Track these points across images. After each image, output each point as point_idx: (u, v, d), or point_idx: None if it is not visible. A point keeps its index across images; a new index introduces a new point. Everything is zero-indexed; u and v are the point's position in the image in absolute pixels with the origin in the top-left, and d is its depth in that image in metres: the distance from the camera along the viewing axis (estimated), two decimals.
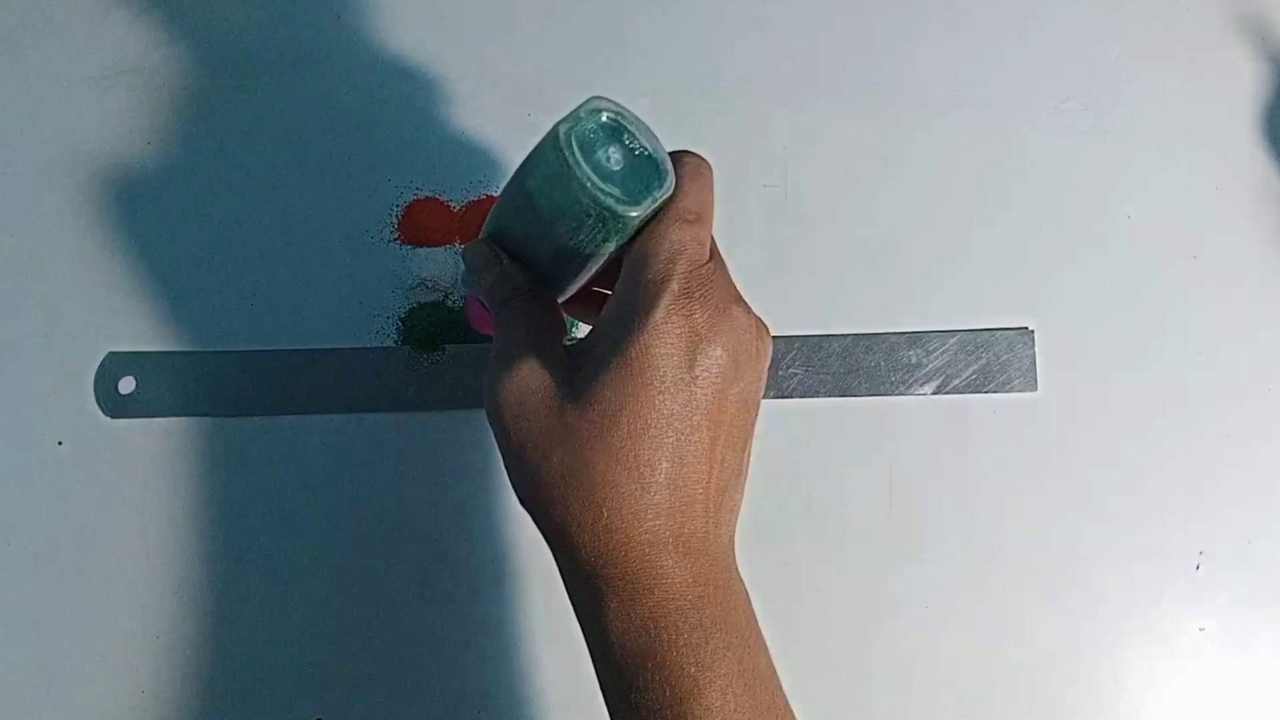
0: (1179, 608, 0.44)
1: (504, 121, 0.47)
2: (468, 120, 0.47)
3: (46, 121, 0.47)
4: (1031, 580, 0.44)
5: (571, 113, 0.30)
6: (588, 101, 0.31)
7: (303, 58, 0.48)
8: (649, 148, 0.31)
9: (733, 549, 0.32)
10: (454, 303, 0.46)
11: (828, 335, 0.46)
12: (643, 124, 0.31)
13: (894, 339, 0.46)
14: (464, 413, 0.44)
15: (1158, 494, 0.45)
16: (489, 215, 0.35)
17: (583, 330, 0.44)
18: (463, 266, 0.40)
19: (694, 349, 0.30)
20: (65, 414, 0.44)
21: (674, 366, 0.29)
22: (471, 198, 0.47)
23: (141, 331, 0.45)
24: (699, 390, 0.30)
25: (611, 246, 0.31)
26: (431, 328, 0.45)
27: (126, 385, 0.44)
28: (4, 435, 0.44)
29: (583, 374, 0.31)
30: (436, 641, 0.43)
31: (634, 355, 0.29)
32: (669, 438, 0.29)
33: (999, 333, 0.46)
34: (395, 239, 0.46)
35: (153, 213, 0.46)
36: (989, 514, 0.44)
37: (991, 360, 0.46)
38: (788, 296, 0.46)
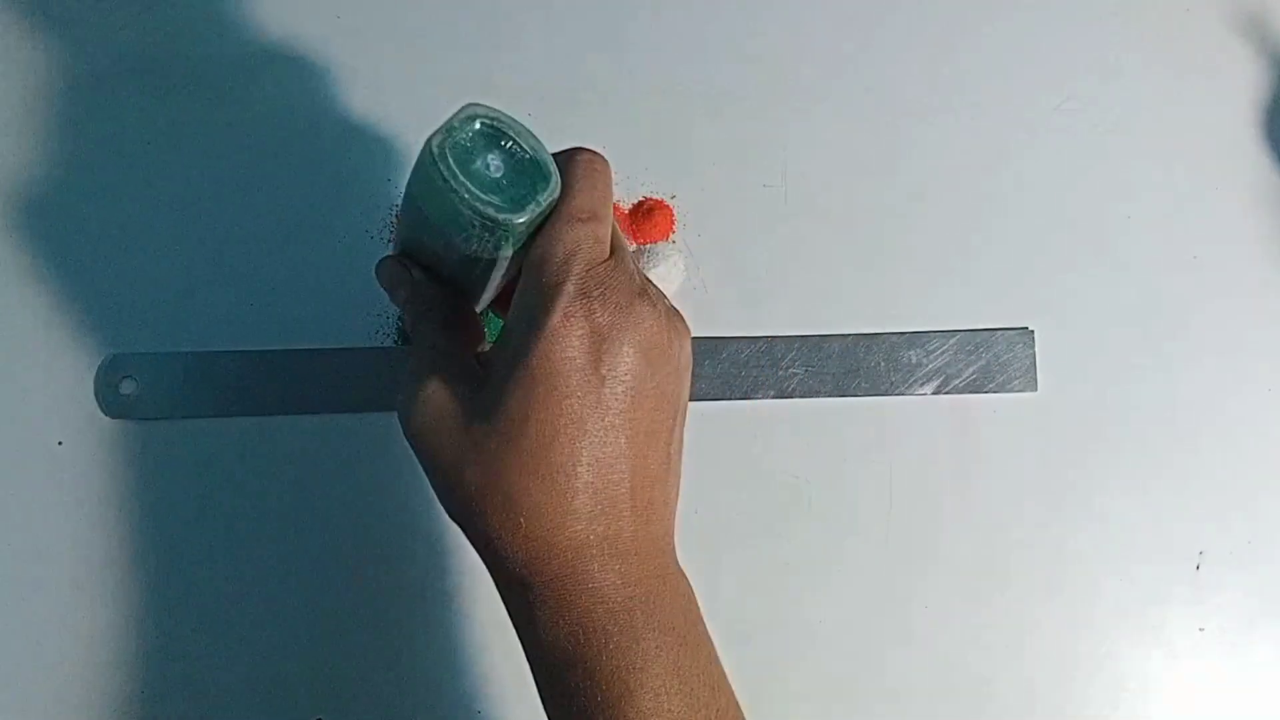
0: (1179, 608, 0.44)
1: None
2: None
3: (46, 121, 0.47)
4: (1031, 580, 0.44)
5: (444, 124, 0.30)
6: (462, 110, 0.30)
7: (303, 58, 0.48)
8: (530, 150, 0.30)
9: (668, 546, 0.32)
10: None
11: (828, 335, 0.46)
12: (523, 127, 0.31)
13: (894, 339, 0.46)
14: None
15: (1158, 494, 0.45)
16: (397, 229, 0.35)
17: None
18: None
19: (598, 349, 0.29)
20: (65, 414, 0.44)
21: (578, 369, 0.29)
22: None
23: (142, 332, 0.45)
24: (608, 391, 0.29)
25: (509, 252, 0.31)
26: None
27: (127, 386, 0.44)
28: (4, 435, 0.44)
29: (490, 386, 0.30)
30: (436, 641, 0.43)
31: (535, 362, 0.29)
32: (582, 442, 0.29)
33: (999, 333, 0.46)
34: (395, 239, 0.46)
35: (152, 213, 0.46)
36: (989, 514, 0.44)
37: (991, 360, 0.46)
38: (788, 296, 0.46)
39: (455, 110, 0.30)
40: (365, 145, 0.47)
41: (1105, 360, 0.46)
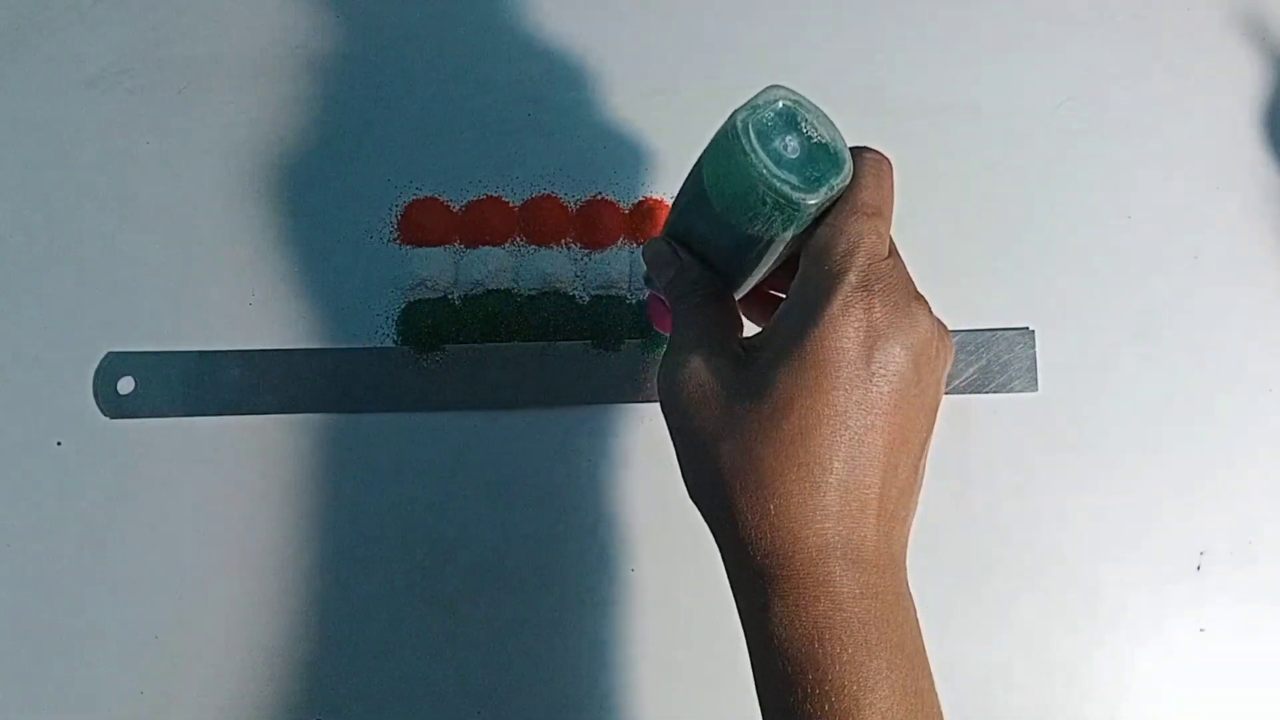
0: (1179, 608, 0.44)
1: (504, 121, 0.47)
2: (468, 120, 0.47)
3: (46, 122, 0.47)
4: (1031, 580, 0.44)
5: (749, 101, 0.30)
6: (765, 90, 0.31)
7: (303, 58, 0.48)
8: (826, 137, 0.30)
9: (904, 564, 0.31)
10: (454, 300, 0.45)
11: None
12: (821, 113, 0.31)
13: None
14: (463, 413, 0.44)
15: (1158, 494, 0.45)
16: (670, 212, 0.35)
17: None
18: (641, 264, 0.40)
19: (872, 344, 0.28)
20: (65, 414, 0.44)
21: (850, 361, 0.28)
22: (471, 197, 0.47)
23: (141, 332, 0.45)
24: (875, 388, 0.28)
25: (788, 236, 0.30)
26: (431, 327, 0.45)
27: (126, 385, 0.44)
28: (4, 435, 0.44)
29: (756, 367, 0.29)
30: (436, 642, 0.43)
31: (809, 348, 0.28)
32: (842, 436, 0.28)
33: (999, 333, 0.46)
34: (395, 239, 0.46)
35: (152, 213, 0.46)
36: (989, 514, 0.44)
37: (992, 360, 0.46)
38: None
39: (759, 90, 0.31)
40: (365, 145, 0.47)
41: (1105, 360, 0.46)
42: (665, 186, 0.47)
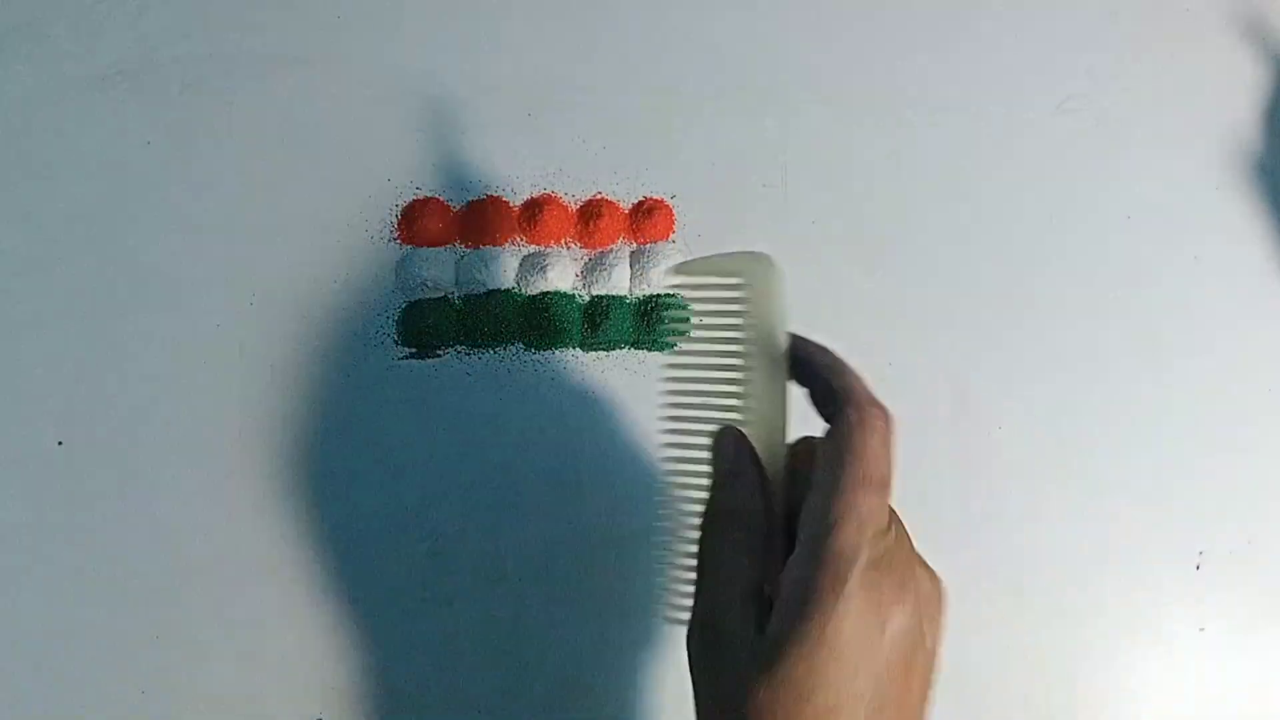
0: (1179, 608, 0.44)
1: (504, 121, 0.47)
2: (468, 120, 0.47)
3: (46, 122, 0.47)
4: (1031, 580, 0.44)
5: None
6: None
7: (303, 58, 0.48)
8: None
9: None
10: (454, 300, 0.45)
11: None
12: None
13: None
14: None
15: (1158, 494, 0.45)
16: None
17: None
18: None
19: (884, 620, 0.29)
20: (65, 414, 0.44)
21: (866, 641, 0.28)
22: (471, 198, 0.47)
23: (140, 331, 0.45)
24: (886, 658, 0.29)
25: None
26: (431, 327, 0.45)
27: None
28: (4, 435, 0.44)
29: (770, 644, 0.29)
30: (436, 641, 0.43)
31: (828, 633, 0.28)
32: (860, 712, 0.28)
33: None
34: (395, 239, 0.46)
35: (151, 213, 0.46)
36: (990, 514, 0.44)
37: None
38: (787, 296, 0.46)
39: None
40: (365, 145, 0.47)
41: (1105, 360, 0.46)
42: (665, 186, 0.47)
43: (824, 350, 0.34)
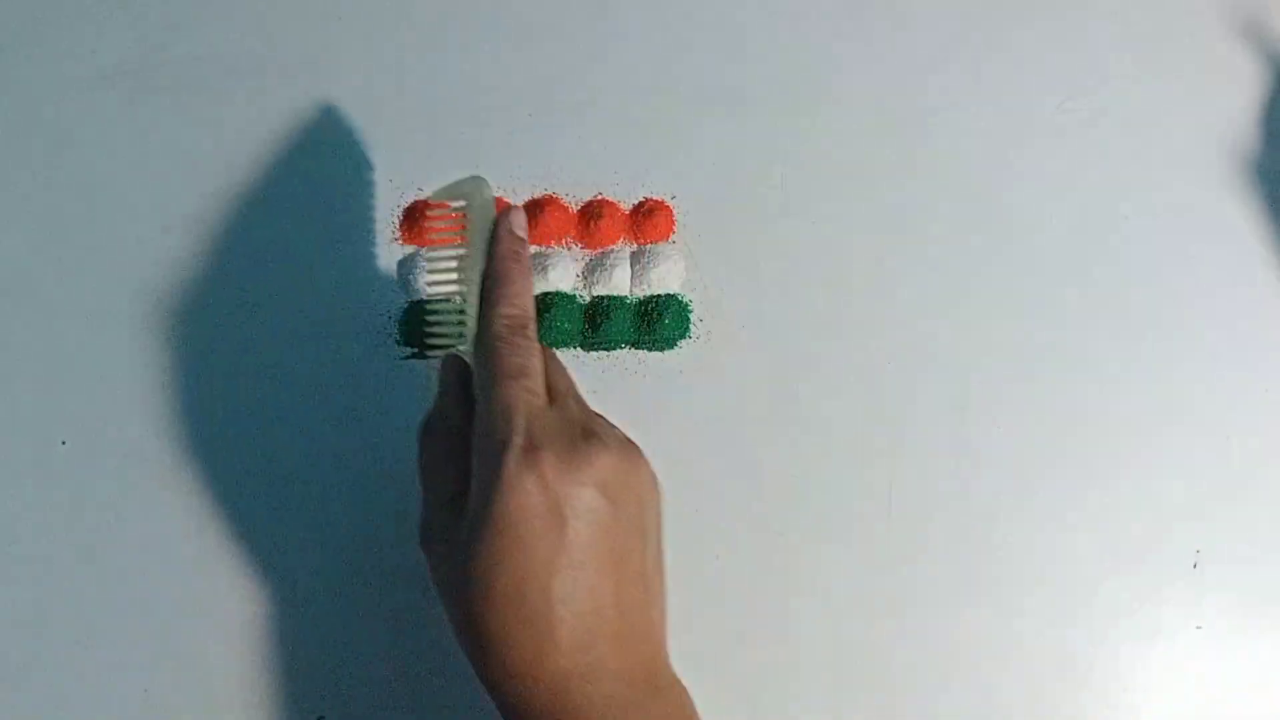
0: (1177, 607, 0.44)
1: (504, 121, 0.47)
2: (468, 120, 0.47)
3: (46, 122, 0.47)
4: (1030, 580, 0.44)
5: None
6: None
7: (303, 58, 0.48)
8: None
9: (656, 664, 0.33)
10: (457, 301, 0.45)
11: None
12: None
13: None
14: None
15: (1156, 493, 0.45)
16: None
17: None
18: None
19: (555, 494, 0.31)
20: (68, 413, 0.44)
21: (539, 516, 0.31)
22: None
23: (140, 331, 0.45)
24: (571, 531, 0.31)
25: None
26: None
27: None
28: (6, 434, 0.44)
29: (463, 536, 0.32)
30: (437, 641, 0.43)
31: (495, 514, 0.31)
32: (553, 582, 0.31)
33: None
34: (395, 239, 0.46)
35: (151, 213, 0.46)
36: (988, 514, 0.44)
37: None
38: (786, 297, 0.46)
39: None
40: (365, 145, 0.47)
41: (1104, 360, 0.46)
42: (665, 186, 0.47)
43: (504, 264, 0.37)
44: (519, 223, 0.38)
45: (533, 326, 0.36)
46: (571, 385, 0.36)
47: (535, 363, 0.34)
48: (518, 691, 0.31)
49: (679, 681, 0.34)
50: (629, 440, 0.34)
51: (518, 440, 0.31)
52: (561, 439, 0.32)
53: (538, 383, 0.34)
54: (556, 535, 0.31)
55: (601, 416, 0.35)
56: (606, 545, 0.32)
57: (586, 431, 0.33)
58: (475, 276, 0.38)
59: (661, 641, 0.34)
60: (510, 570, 0.31)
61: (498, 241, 0.37)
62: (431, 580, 0.34)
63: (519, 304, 0.36)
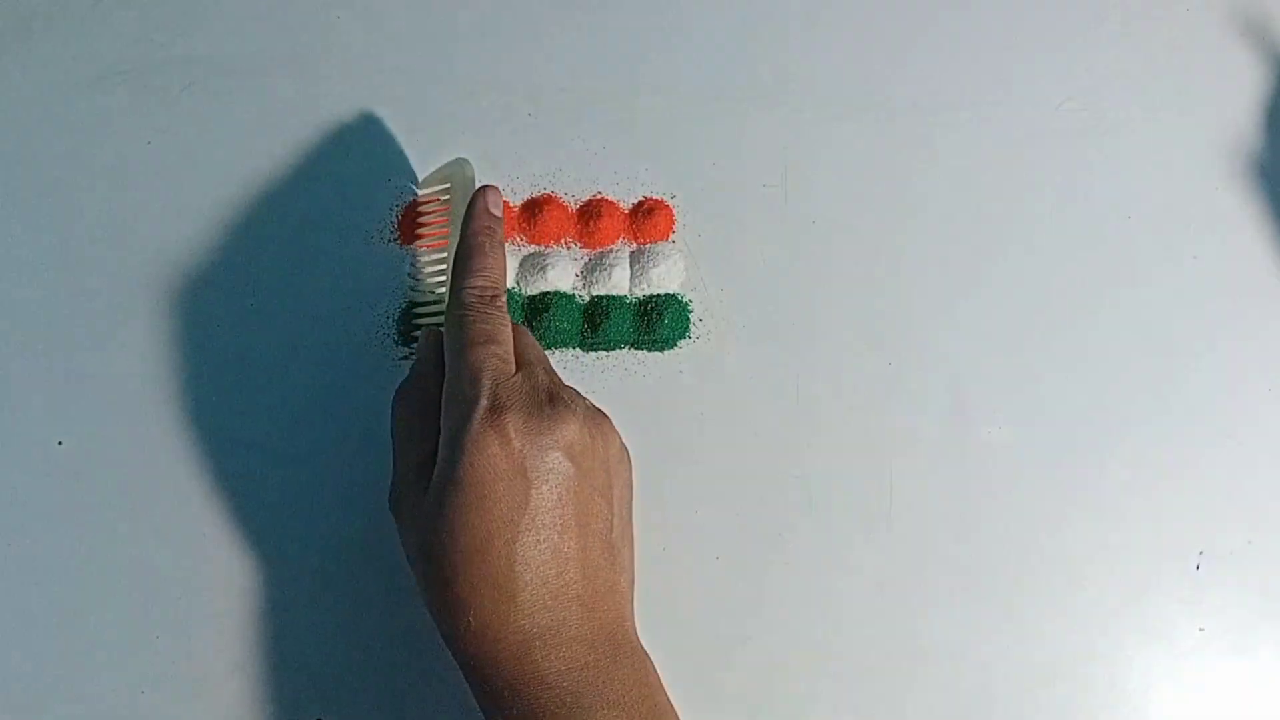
0: (1179, 607, 0.44)
1: (504, 121, 0.48)
2: (468, 120, 0.48)
3: (46, 122, 0.47)
4: (1030, 580, 0.44)
5: None
6: None
7: (303, 58, 0.48)
8: None
9: (620, 629, 0.33)
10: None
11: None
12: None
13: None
14: None
15: (1157, 494, 0.45)
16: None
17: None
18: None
19: (521, 457, 0.31)
20: (66, 413, 0.44)
21: (504, 477, 0.31)
22: None
23: (140, 331, 0.45)
24: (537, 494, 0.31)
25: None
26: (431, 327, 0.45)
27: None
28: (2, 435, 0.44)
29: (428, 500, 0.32)
30: (437, 641, 0.43)
31: (461, 475, 0.31)
32: (517, 544, 0.31)
33: None
34: (395, 239, 0.46)
35: (151, 213, 0.46)
36: (988, 514, 0.44)
37: None
38: (786, 297, 0.46)
39: None
40: (365, 145, 0.47)
41: (1104, 360, 0.46)
42: (665, 186, 0.47)
43: (475, 239, 0.38)
44: (493, 200, 0.39)
45: (503, 298, 0.36)
46: (543, 359, 0.37)
47: (504, 331, 0.35)
48: (479, 654, 0.32)
49: (642, 648, 0.34)
50: (599, 410, 0.35)
51: (484, 402, 0.32)
52: (528, 403, 0.32)
53: (506, 350, 0.34)
54: (521, 496, 0.31)
55: (572, 388, 0.35)
56: (571, 508, 0.32)
57: (553, 397, 0.33)
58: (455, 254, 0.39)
59: (627, 609, 0.34)
60: (474, 530, 0.31)
61: (471, 218, 0.38)
62: (401, 545, 0.35)
63: (489, 276, 0.36)
